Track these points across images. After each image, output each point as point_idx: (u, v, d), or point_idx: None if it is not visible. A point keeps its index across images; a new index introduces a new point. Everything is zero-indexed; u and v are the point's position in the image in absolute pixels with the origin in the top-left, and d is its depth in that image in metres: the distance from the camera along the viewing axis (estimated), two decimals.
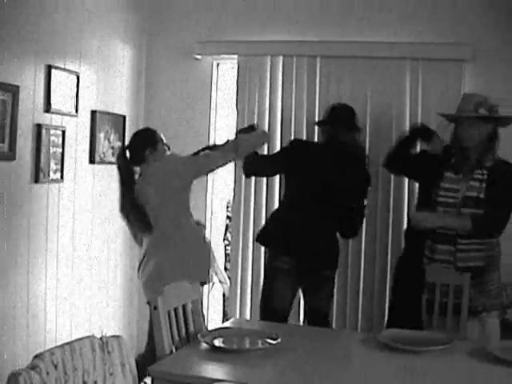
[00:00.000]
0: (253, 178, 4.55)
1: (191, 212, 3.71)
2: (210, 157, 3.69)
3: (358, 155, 3.86)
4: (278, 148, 4.51)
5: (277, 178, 4.50)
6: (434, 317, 3.31)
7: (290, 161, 3.80)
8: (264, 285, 3.88)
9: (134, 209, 3.57)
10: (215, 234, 4.95)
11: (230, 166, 4.76)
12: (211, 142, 4.50)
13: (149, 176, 3.60)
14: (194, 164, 3.64)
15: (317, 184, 3.67)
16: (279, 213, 3.90)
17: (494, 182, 3.35)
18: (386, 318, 3.86)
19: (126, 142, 3.75)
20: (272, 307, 3.76)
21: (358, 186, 3.80)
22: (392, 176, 4.33)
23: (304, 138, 4.43)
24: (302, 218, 3.67)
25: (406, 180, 4.32)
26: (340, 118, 3.81)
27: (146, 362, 2.55)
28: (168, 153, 3.72)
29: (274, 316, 3.64)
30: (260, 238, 3.95)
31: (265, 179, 4.52)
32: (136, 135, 3.75)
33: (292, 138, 4.40)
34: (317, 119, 4.42)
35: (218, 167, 3.74)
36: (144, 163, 3.64)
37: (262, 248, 4.51)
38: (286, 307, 3.79)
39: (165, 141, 3.73)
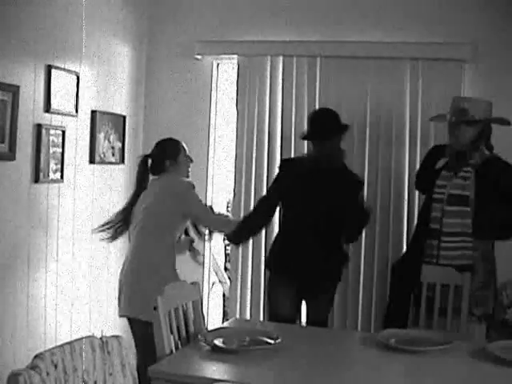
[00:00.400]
0: (253, 178, 4.55)
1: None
2: (209, 216, 3.64)
3: (342, 166, 3.73)
4: (278, 148, 4.52)
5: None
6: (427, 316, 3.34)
7: (283, 188, 3.73)
8: (269, 303, 3.81)
9: (122, 213, 3.65)
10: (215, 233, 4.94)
11: (230, 165, 4.77)
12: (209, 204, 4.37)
13: (150, 187, 3.62)
14: (195, 205, 3.58)
15: (312, 203, 3.60)
16: (280, 237, 3.83)
17: (483, 178, 3.40)
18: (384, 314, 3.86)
19: (149, 151, 3.75)
20: (280, 316, 3.70)
21: (351, 195, 3.68)
22: (392, 177, 4.33)
23: (292, 153, 4.42)
24: (301, 240, 3.63)
25: (406, 181, 4.33)
26: (322, 131, 3.64)
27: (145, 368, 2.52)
28: (190, 166, 3.70)
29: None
30: (266, 264, 4.01)
31: (265, 179, 4.52)
32: (158, 144, 3.70)
33: (296, 139, 4.41)
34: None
35: (204, 226, 3.76)
36: (164, 173, 3.63)
37: (263, 248, 4.51)
38: (293, 314, 3.76)
39: (187, 152, 3.70)
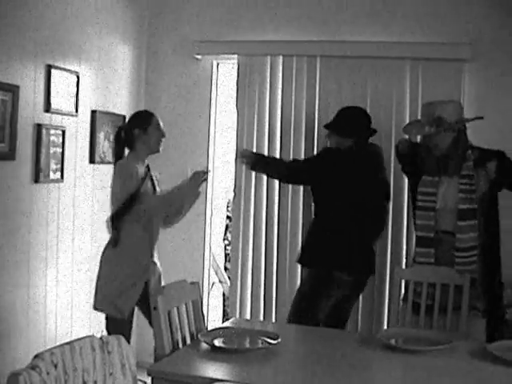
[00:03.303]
0: (253, 178, 4.55)
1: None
2: (116, 199, 3.52)
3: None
4: (277, 148, 4.52)
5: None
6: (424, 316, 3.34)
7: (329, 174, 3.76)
8: (316, 296, 3.75)
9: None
10: (215, 234, 4.95)
11: (230, 165, 4.77)
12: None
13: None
14: (113, 185, 3.53)
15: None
16: (338, 235, 3.75)
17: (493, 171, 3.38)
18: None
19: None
20: (316, 318, 3.72)
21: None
22: (392, 180, 4.32)
23: (313, 140, 4.45)
24: (361, 237, 3.77)
25: (406, 183, 4.32)
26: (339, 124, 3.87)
27: None
28: (162, 140, 3.61)
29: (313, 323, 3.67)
30: (333, 264, 3.74)
31: (265, 179, 4.52)
32: (131, 115, 3.71)
33: (295, 139, 4.44)
34: (316, 119, 4.43)
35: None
36: (134, 144, 3.56)
37: (263, 248, 4.51)
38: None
39: (161, 126, 3.62)
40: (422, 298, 3.35)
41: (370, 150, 3.88)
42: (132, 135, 3.56)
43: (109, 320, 3.52)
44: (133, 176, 3.46)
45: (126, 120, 3.75)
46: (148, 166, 3.65)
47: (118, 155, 3.62)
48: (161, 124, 3.64)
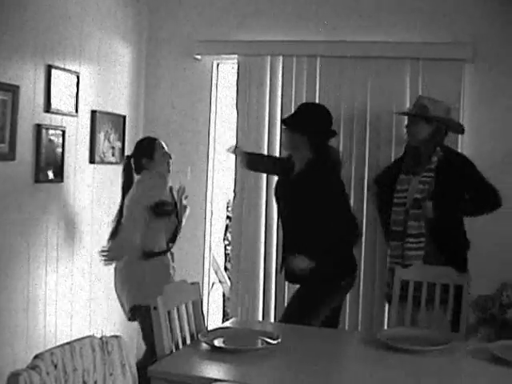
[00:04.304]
0: (253, 178, 4.55)
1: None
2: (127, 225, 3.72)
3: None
4: (277, 148, 4.52)
5: (275, 178, 4.51)
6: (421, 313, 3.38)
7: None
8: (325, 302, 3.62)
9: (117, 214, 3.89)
10: (215, 234, 4.95)
11: (231, 165, 4.77)
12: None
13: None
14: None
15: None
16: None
17: (445, 177, 3.61)
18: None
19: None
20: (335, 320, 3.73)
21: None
22: None
23: None
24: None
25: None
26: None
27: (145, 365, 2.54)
28: (170, 162, 3.85)
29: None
30: (345, 271, 3.65)
31: (264, 179, 4.52)
32: (136, 144, 3.94)
33: None
34: None
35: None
36: (144, 171, 3.82)
37: (262, 248, 4.51)
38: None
39: (165, 149, 3.84)
40: (422, 298, 3.36)
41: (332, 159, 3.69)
42: (140, 164, 3.82)
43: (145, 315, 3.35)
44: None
45: (132, 148, 3.99)
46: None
47: (127, 184, 3.84)
48: (165, 147, 3.85)
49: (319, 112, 3.65)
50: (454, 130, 3.87)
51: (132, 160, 3.87)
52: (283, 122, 3.79)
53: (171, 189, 3.90)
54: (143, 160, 3.79)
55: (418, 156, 3.71)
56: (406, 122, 3.94)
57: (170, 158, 3.85)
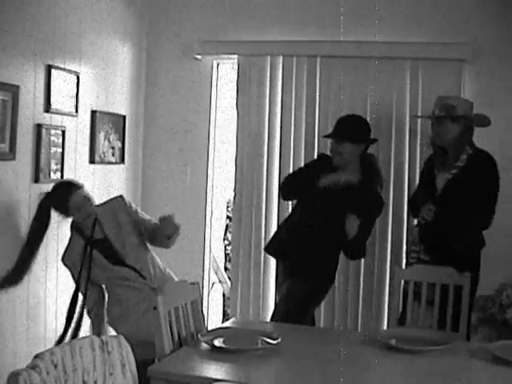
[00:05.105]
0: (253, 178, 4.55)
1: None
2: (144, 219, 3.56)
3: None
4: (277, 148, 4.52)
5: (276, 178, 4.51)
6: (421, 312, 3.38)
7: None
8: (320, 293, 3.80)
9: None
10: (215, 234, 4.94)
11: (231, 165, 4.77)
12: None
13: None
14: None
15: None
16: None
17: (469, 174, 3.51)
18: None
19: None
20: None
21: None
22: (392, 177, 4.33)
23: (314, 140, 4.46)
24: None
25: (406, 181, 4.33)
26: (340, 132, 3.68)
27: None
28: (90, 204, 3.45)
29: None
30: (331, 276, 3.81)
31: (264, 179, 4.53)
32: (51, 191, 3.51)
33: (295, 139, 4.45)
34: (316, 119, 4.43)
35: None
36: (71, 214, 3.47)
37: (262, 248, 4.51)
38: None
39: (84, 194, 3.45)
40: (422, 298, 3.36)
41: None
42: (64, 214, 3.47)
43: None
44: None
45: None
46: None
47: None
48: (83, 190, 3.47)
49: (364, 121, 3.76)
50: (480, 124, 3.71)
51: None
52: (337, 135, 3.68)
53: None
54: (61, 216, 3.46)
55: (446, 155, 3.60)
56: (408, 123, 3.95)
57: (90, 200, 3.44)
